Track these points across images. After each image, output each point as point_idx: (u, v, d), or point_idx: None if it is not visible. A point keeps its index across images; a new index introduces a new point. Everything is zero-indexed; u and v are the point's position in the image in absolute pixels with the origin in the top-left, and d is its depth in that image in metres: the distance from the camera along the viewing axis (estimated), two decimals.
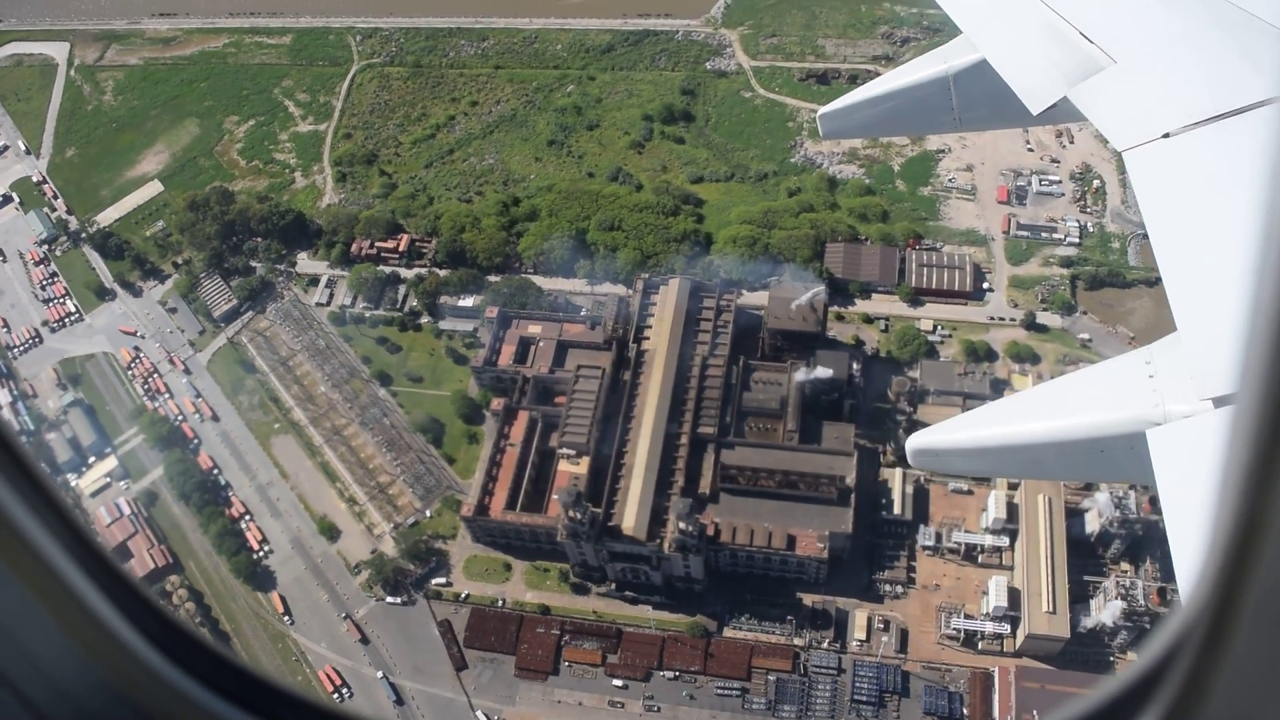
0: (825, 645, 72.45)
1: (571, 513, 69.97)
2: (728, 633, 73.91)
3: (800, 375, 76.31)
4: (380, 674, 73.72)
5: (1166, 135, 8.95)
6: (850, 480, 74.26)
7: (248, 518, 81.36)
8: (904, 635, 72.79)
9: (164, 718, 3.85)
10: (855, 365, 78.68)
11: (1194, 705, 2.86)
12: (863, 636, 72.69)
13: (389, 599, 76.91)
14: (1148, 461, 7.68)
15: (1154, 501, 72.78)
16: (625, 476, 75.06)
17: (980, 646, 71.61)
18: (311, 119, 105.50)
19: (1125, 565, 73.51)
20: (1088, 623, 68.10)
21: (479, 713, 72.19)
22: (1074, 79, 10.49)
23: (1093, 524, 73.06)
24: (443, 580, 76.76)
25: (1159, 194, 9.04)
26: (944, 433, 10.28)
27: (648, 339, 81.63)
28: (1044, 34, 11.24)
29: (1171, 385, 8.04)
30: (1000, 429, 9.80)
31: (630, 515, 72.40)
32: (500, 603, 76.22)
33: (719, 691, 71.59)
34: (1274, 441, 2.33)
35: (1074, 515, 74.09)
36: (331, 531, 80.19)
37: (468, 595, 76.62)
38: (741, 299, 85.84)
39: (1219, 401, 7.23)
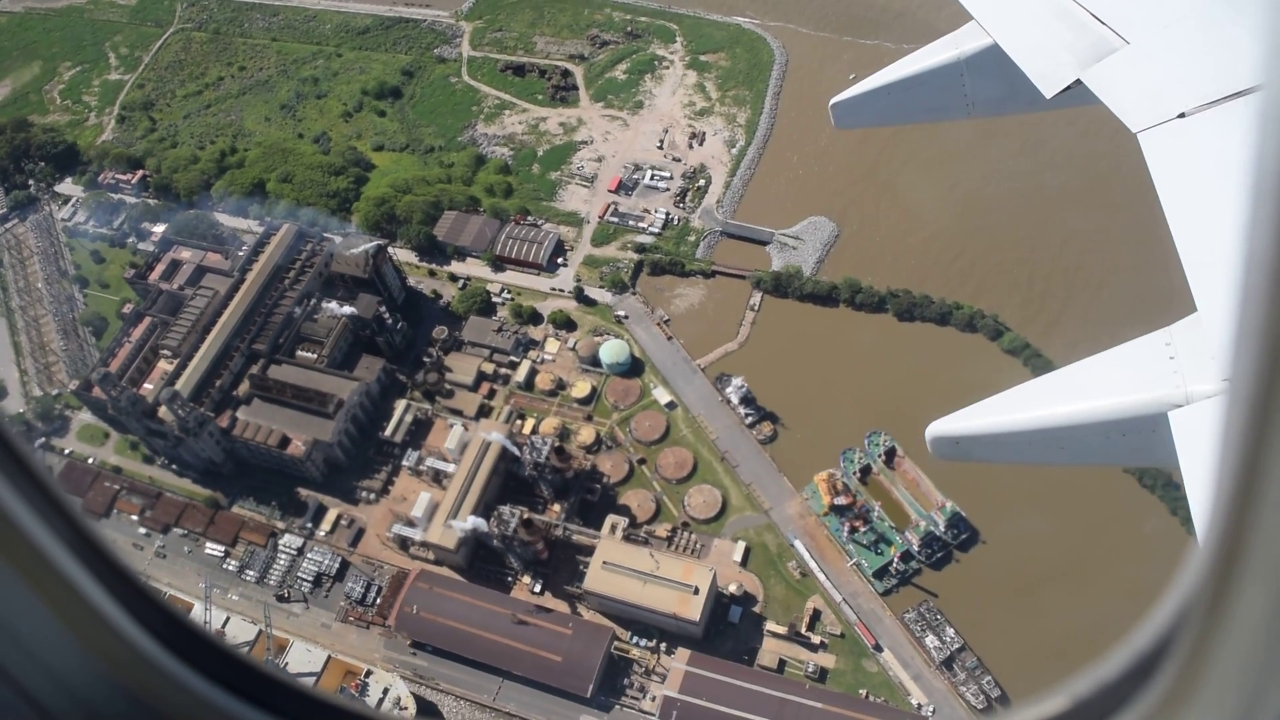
0: (297, 530, 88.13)
1: (111, 391, 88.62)
2: (235, 509, 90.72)
3: (297, 310, 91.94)
4: None
5: (1182, 115, 8.85)
6: (343, 399, 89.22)
7: None
8: (360, 533, 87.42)
9: (168, 711, 3.84)
10: (382, 309, 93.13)
11: (1191, 686, 2.85)
12: (328, 529, 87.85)
13: None
14: (1171, 443, 7.74)
15: (560, 451, 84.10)
16: (182, 374, 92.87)
17: (411, 551, 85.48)
18: (122, 70, 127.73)
19: (557, 506, 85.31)
20: (454, 534, 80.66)
21: None
22: (1087, 61, 10.38)
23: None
24: (43, 440, 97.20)
25: (1175, 174, 8.77)
26: (962, 420, 10.04)
27: (251, 270, 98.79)
28: (1055, 16, 11.09)
29: (1192, 366, 8.02)
30: (1019, 415, 9.66)
31: None
32: (91, 460, 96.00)
33: (209, 551, 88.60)
34: (1267, 421, 2.30)
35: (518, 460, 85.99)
36: (0, 393, 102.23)
37: (71, 451, 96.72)
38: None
39: None
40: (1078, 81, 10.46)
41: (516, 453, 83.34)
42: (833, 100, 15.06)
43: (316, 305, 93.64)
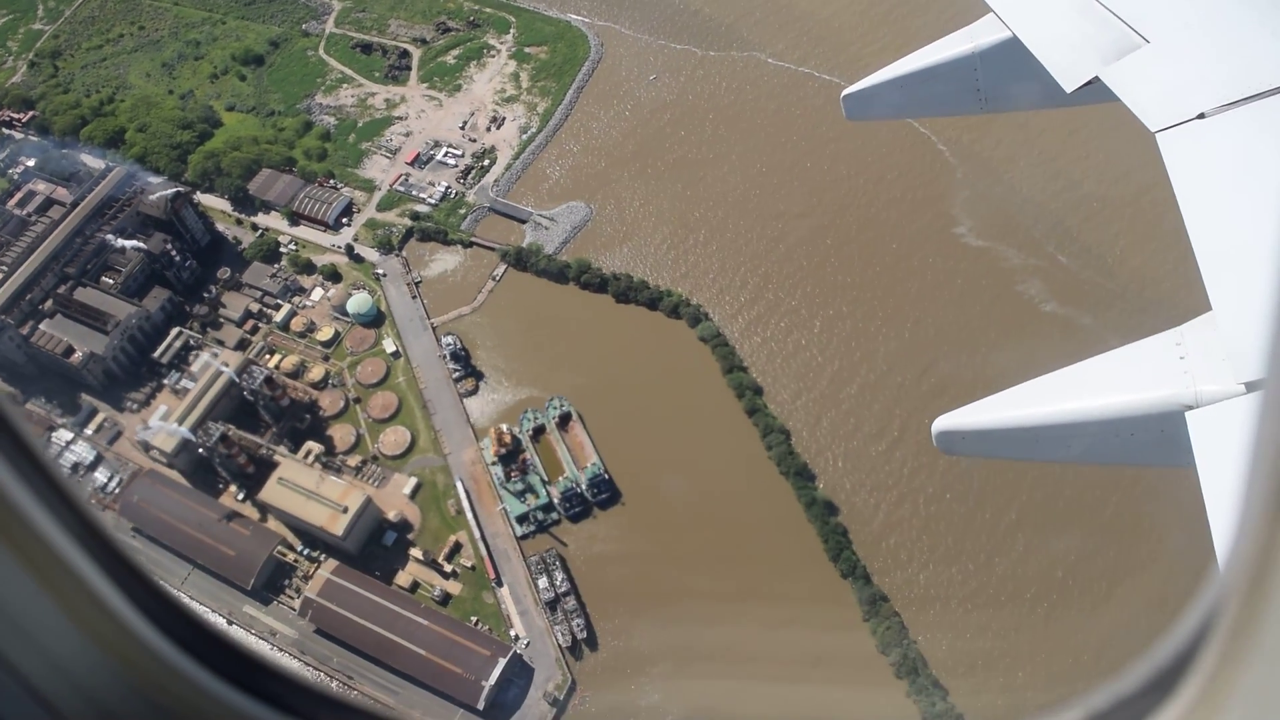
0: (69, 426, 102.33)
1: None
2: (29, 405, 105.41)
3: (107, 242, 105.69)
4: None
5: (1201, 116, 8.94)
6: (120, 320, 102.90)
7: None
8: (118, 435, 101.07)
9: (174, 705, 3.83)
10: (169, 246, 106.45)
11: (1222, 691, 2.73)
12: (95, 429, 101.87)
13: None
14: (1179, 443, 7.72)
15: (270, 381, 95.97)
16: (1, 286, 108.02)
17: (150, 454, 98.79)
18: (46, 21, 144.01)
19: (274, 427, 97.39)
20: (172, 439, 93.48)
21: None
22: (1107, 58, 10.52)
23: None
24: None
25: (1193, 175, 8.83)
26: (969, 415, 10.08)
27: (81, 204, 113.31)
28: (1076, 12, 11.27)
29: (1203, 367, 8.04)
30: (1026, 411, 9.66)
31: None
32: None
33: None
34: None
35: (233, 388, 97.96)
36: None
37: None
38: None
39: (1253, 385, 7.20)
40: (1095, 78, 10.62)
41: (236, 380, 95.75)
42: (844, 92, 15.10)
43: (94, 239, 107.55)
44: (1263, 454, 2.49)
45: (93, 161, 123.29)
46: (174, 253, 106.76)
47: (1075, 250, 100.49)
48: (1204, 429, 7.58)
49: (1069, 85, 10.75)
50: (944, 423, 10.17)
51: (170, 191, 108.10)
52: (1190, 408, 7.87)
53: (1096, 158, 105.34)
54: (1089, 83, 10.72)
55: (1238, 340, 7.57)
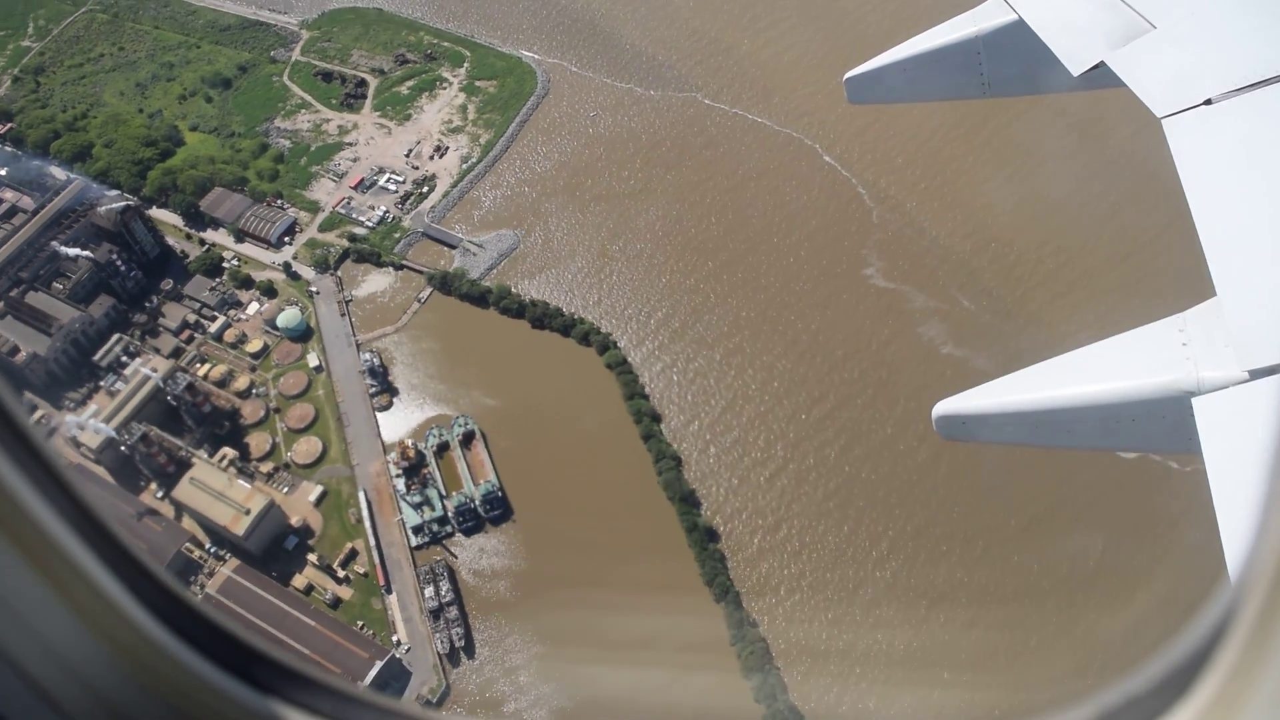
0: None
1: None
2: None
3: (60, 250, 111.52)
4: None
5: (1208, 102, 8.97)
6: (63, 323, 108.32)
7: None
8: (53, 431, 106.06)
9: (176, 698, 3.80)
10: (114, 257, 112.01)
11: (1241, 689, 2.65)
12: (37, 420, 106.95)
13: None
14: (1181, 430, 7.73)
15: (191, 388, 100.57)
16: None
17: (80, 450, 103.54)
18: (34, 38, 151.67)
19: (196, 431, 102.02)
20: (98, 437, 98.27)
21: None
22: (1114, 43, 10.57)
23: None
24: None
25: (1200, 161, 8.85)
26: (969, 400, 10.02)
27: (40, 213, 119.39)
28: None
29: (1206, 353, 8.00)
30: (1026, 395, 9.65)
31: None
32: None
33: None
34: None
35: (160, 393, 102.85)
36: None
37: None
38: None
39: (1257, 373, 7.19)
40: (1101, 63, 10.65)
41: (161, 385, 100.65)
42: (846, 75, 15.23)
43: (47, 247, 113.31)
44: None
45: (59, 173, 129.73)
46: (119, 263, 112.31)
47: (977, 293, 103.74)
48: (1210, 416, 7.60)
49: (1075, 69, 10.85)
50: (945, 407, 10.06)
51: (120, 205, 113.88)
52: (1193, 394, 7.93)
53: (1009, 202, 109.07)
54: (1094, 67, 10.82)
55: (1243, 327, 7.61)
